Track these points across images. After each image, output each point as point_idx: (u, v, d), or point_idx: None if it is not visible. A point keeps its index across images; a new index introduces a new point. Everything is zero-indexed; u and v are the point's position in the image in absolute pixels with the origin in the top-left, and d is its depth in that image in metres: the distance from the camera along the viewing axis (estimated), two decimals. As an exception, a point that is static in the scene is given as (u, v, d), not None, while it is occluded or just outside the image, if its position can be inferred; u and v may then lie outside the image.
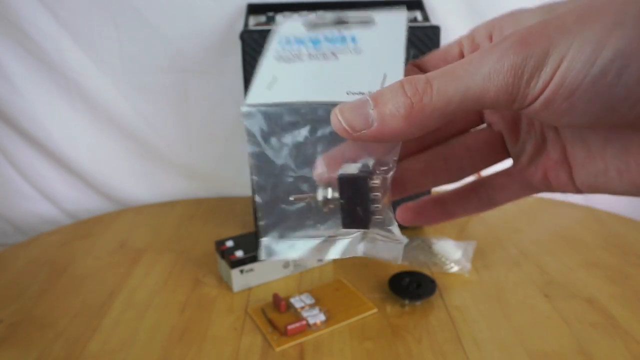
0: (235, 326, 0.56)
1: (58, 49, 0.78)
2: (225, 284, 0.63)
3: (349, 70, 0.23)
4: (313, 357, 0.51)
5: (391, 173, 0.21)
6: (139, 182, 0.90)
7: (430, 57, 0.25)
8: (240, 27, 0.70)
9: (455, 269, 0.65)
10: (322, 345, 0.52)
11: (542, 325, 0.55)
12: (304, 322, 0.54)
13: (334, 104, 0.20)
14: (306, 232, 0.23)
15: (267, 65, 0.24)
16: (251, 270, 0.61)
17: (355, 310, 0.57)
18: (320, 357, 0.51)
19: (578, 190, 0.22)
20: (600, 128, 0.20)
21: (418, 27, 0.66)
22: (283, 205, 0.23)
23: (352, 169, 0.21)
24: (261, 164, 0.22)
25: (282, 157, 0.22)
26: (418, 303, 0.58)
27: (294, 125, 0.22)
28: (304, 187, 0.22)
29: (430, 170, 0.25)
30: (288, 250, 0.23)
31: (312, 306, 0.57)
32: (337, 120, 0.20)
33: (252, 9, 0.75)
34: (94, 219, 0.84)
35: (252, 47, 0.66)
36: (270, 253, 0.23)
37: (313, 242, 0.23)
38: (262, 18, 0.74)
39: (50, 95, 0.81)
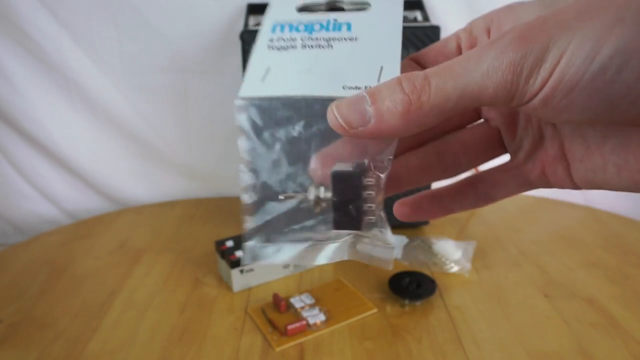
0: (235, 326, 0.56)
1: (58, 49, 0.78)
2: (225, 284, 0.63)
3: (345, 61, 0.22)
4: (313, 357, 0.51)
5: (386, 172, 0.21)
6: (139, 182, 0.90)
7: (428, 51, 0.24)
8: (240, 27, 0.70)
9: (455, 269, 0.65)
10: (322, 345, 0.52)
11: (542, 325, 0.55)
12: (304, 322, 0.54)
13: (330, 99, 0.20)
14: (294, 236, 0.22)
15: (260, 54, 0.23)
16: (251, 270, 0.61)
17: (355, 310, 0.57)
18: (320, 357, 0.51)
19: (576, 186, 0.22)
20: (599, 124, 0.20)
21: (418, 27, 0.66)
22: (272, 204, 0.22)
23: (347, 166, 0.21)
24: (252, 159, 0.22)
25: (274, 153, 0.21)
26: (418, 303, 0.58)
27: (288, 120, 0.21)
28: (295, 184, 0.22)
29: (426, 166, 0.25)
30: (274, 255, 0.22)
31: (312, 306, 0.57)
32: (334, 116, 0.19)
33: (252, 9, 0.75)
34: (94, 219, 0.84)
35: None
36: (255, 257, 0.22)
37: (300, 247, 0.22)
38: (262, 18, 0.74)
39: (50, 95, 0.81)
